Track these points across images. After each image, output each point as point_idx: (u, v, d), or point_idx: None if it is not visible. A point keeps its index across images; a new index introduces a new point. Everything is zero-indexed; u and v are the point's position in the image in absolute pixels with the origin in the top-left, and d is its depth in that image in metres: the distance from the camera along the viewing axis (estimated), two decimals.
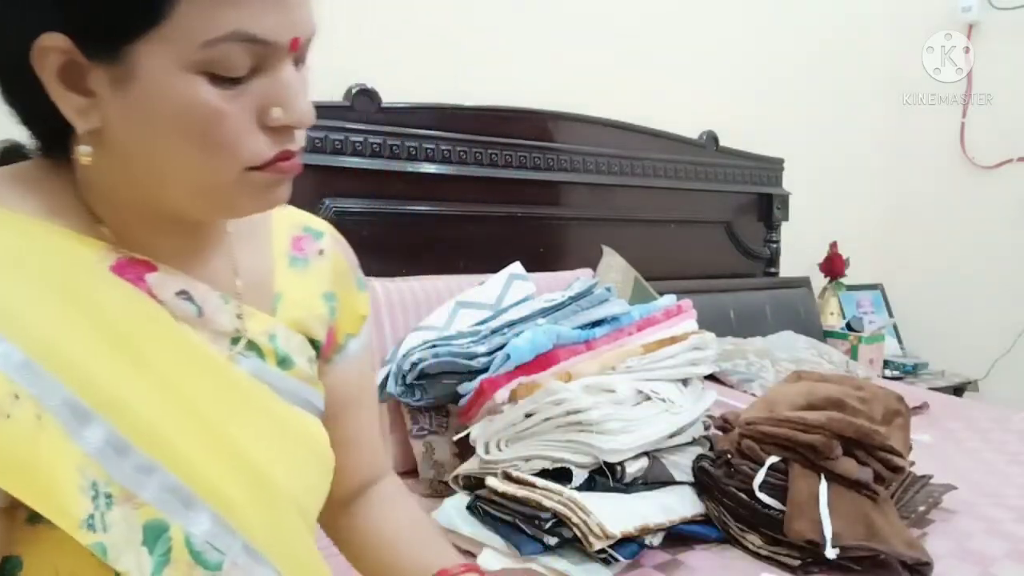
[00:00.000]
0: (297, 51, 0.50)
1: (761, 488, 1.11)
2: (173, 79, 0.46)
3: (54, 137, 0.51)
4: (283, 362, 0.60)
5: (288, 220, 0.66)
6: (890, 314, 3.10)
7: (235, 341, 0.57)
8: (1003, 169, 2.90)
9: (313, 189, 1.71)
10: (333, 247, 0.68)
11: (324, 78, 1.77)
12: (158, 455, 0.49)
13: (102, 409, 0.47)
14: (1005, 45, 2.83)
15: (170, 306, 0.53)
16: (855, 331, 2.75)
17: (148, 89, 0.46)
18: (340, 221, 1.74)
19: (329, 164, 1.72)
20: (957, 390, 2.75)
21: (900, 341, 3.08)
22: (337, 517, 0.74)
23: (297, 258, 0.65)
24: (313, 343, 0.64)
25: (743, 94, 2.71)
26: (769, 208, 2.73)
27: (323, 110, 1.73)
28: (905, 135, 3.16)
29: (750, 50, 2.72)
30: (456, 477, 1.21)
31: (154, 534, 0.48)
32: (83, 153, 0.49)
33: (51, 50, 0.46)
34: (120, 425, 0.48)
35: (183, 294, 0.54)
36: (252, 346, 0.58)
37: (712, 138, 2.56)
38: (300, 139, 0.52)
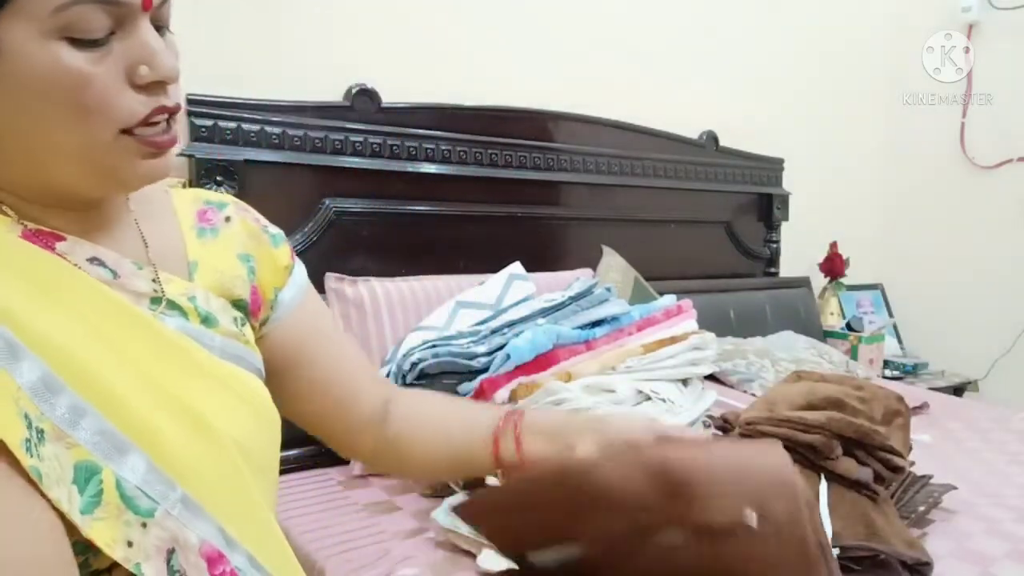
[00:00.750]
0: (150, 11, 0.51)
1: None
2: (35, 48, 0.47)
3: None
4: (206, 320, 0.61)
5: (189, 197, 0.69)
6: (890, 314, 3.10)
7: (155, 301, 0.58)
8: (1003, 169, 2.90)
9: (313, 189, 1.71)
10: (238, 213, 0.70)
11: (324, 78, 1.77)
12: (91, 398, 0.50)
13: (35, 348, 0.48)
14: (1005, 45, 2.83)
15: (84, 270, 0.55)
16: (855, 331, 2.75)
17: (13, 64, 0.48)
18: (340, 221, 1.75)
19: (329, 164, 1.72)
20: (957, 390, 2.75)
21: (900, 341, 3.08)
22: (377, 440, 0.75)
23: (205, 228, 0.67)
24: (238, 304, 0.66)
25: (743, 94, 2.71)
26: (769, 208, 2.73)
27: (323, 110, 1.75)
28: (905, 135, 3.16)
29: (750, 50, 2.72)
30: None
31: (85, 475, 0.48)
32: None
33: None
34: (53, 365, 0.48)
35: (95, 260, 0.56)
36: (173, 306, 0.59)
37: (712, 138, 2.56)
38: (174, 96, 0.54)
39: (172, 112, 0.54)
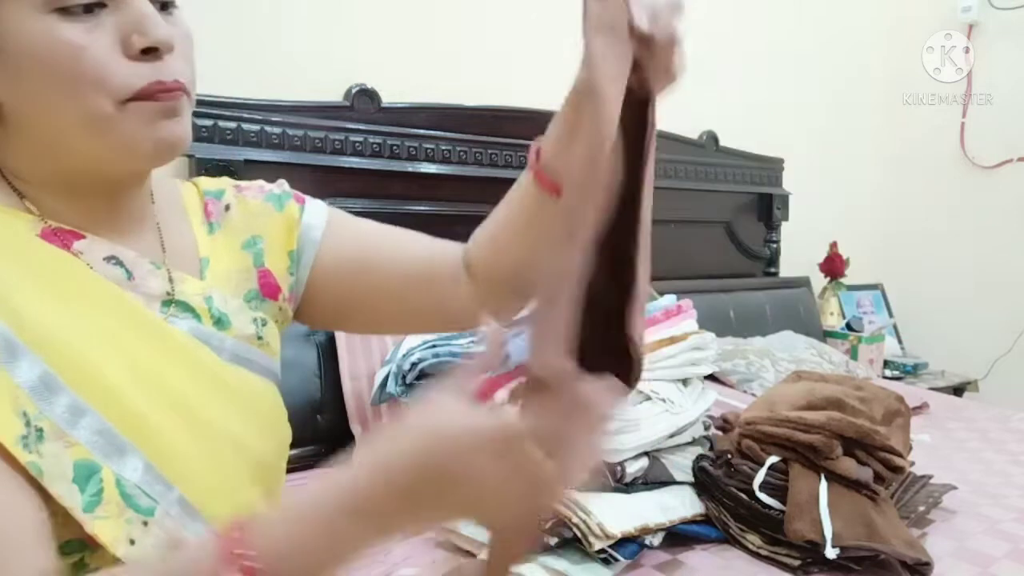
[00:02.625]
0: None
1: (761, 488, 1.11)
2: (30, 25, 0.48)
3: None
4: (219, 322, 0.61)
5: (193, 191, 0.69)
6: (890, 314, 3.10)
7: (166, 304, 0.58)
8: (1003, 169, 2.90)
9: (313, 189, 1.69)
10: (235, 197, 0.70)
11: (324, 78, 1.77)
12: (91, 398, 0.50)
13: (35, 347, 0.48)
14: (1005, 45, 2.83)
15: (99, 270, 0.55)
16: (855, 331, 2.75)
17: (13, 44, 0.49)
18: None
19: (329, 164, 1.72)
20: (957, 390, 2.75)
21: (900, 341, 3.08)
22: (471, 282, 0.72)
23: (212, 224, 0.67)
24: (249, 296, 0.66)
25: (743, 94, 2.71)
26: (769, 208, 2.73)
27: (323, 110, 1.74)
28: (905, 135, 3.16)
29: (750, 50, 2.72)
30: None
31: (85, 474, 0.48)
32: None
33: None
34: (53, 364, 0.49)
35: (112, 259, 0.56)
36: (186, 307, 0.59)
37: (712, 138, 2.56)
38: (176, 71, 0.53)
39: (171, 89, 0.52)
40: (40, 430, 0.47)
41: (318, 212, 0.72)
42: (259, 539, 0.40)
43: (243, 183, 0.72)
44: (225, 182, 0.71)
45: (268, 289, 0.68)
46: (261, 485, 0.59)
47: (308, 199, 0.74)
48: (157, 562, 0.45)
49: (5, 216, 0.53)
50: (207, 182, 0.70)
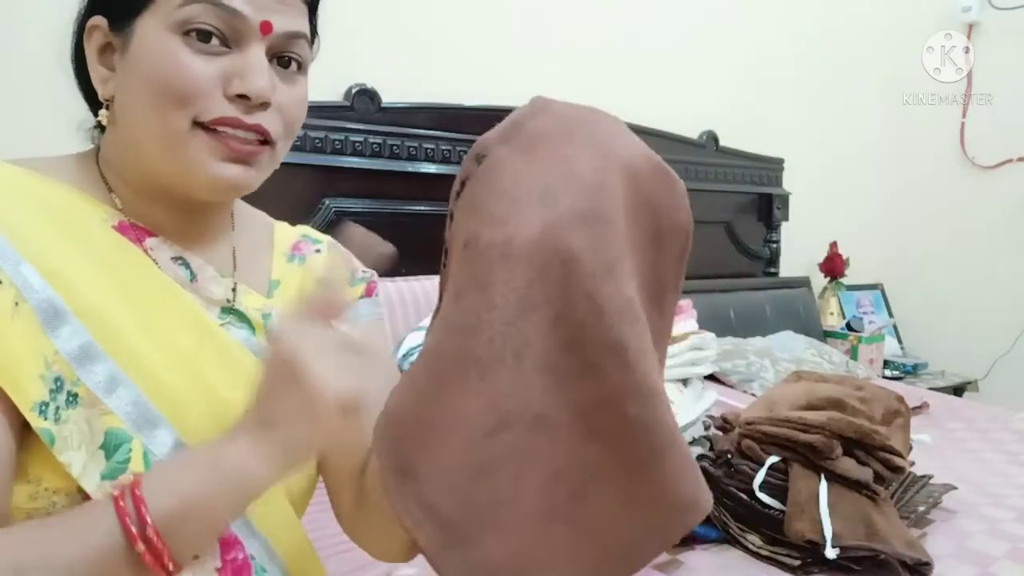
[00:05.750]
0: (267, 36, 0.54)
1: (761, 488, 1.11)
2: (155, 37, 0.52)
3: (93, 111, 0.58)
4: None
5: (291, 231, 0.72)
6: (890, 314, 3.10)
7: (225, 312, 0.60)
8: (1003, 169, 2.90)
9: (313, 189, 1.71)
10: (330, 249, 0.71)
11: (324, 78, 1.77)
12: (130, 370, 0.51)
13: (81, 315, 0.50)
14: (1005, 45, 2.83)
15: (164, 268, 0.56)
16: (855, 331, 2.75)
17: (137, 50, 0.53)
18: (340, 221, 1.75)
19: (329, 164, 1.72)
20: (957, 390, 2.75)
21: (900, 341, 3.08)
22: (356, 497, 0.67)
23: (295, 256, 0.69)
24: None
25: (743, 94, 2.71)
26: (769, 208, 2.73)
27: (323, 110, 1.74)
28: (905, 135, 3.16)
29: (750, 50, 2.72)
30: None
31: (115, 442, 0.50)
32: (102, 117, 0.57)
33: (95, 29, 0.55)
34: (96, 334, 0.50)
35: (179, 259, 0.58)
36: (243, 318, 0.61)
37: (712, 138, 2.56)
38: (266, 122, 0.54)
39: (250, 129, 0.54)
40: (75, 395, 0.49)
41: (365, 311, 0.71)
42: (148, 487, 0.46)
43: (346, 250, 0.72)
44: (327, 238, 0.72)
45: None
46: (287, 497, 0.61)
47: (377, 296, 0.73)
48: (55, 517, 0.47)
49: (85, 203, 0.55)
50: (313, 232, 0.73)
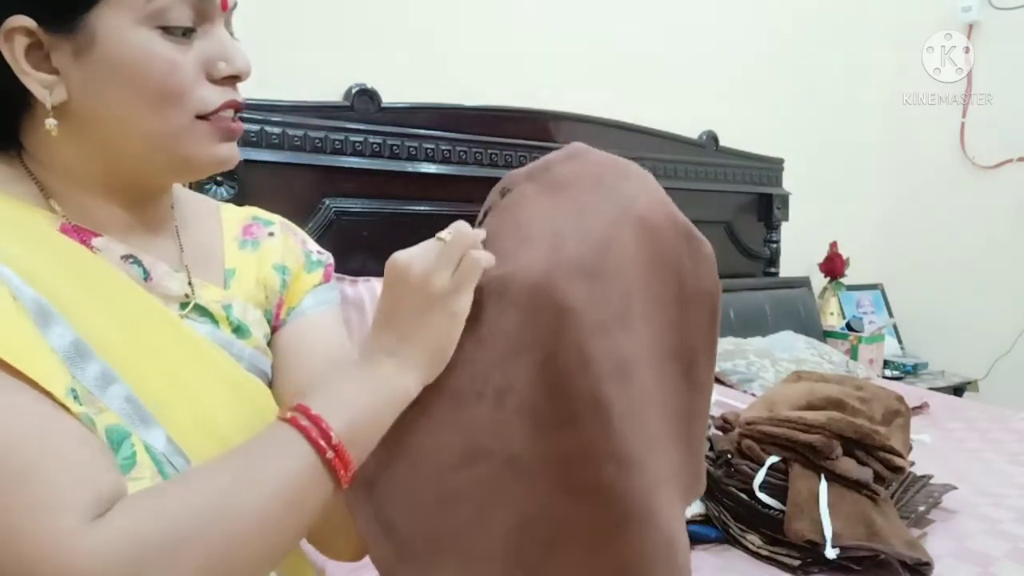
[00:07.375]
0: (227, 12, 0.56)
1: (761, 488, 1.11)
2: (130, 35, 0.51)
3: (4, 120, 0.54)
4: (238, 330, 0.62)
5: (239, 213, 0.71)
6: (890, 314, 3.10)
7: (184, 306, 0.59)
8: (1003, 169, 2.90)
9: (313, 189, 1.71)
10: (283, 230, 0.71)
11: (324, 78, 1.77)
12: (117, 368, 0.51)
13: (65, 313, 0.50)
14: (1005, 45, 2.83)
15: (116, 268, 0.56)
16: (855, 331, 2.75)
17: (109, 50, 0.51)
18: (340, 221, 1.75)
19: (329, 164, 1.72)
20: (957, 390, 2.75)
21: (900, 341, 3.08)
22: None
23: (247, 241, 0.68)
24: (267, 315, 0.66)
25: (743, 94, 2.71)
26: (769, 208, 2.73)
27: (323, 110, 1.74)
28: (905, 135, 3.16)
29: (750, 50, 2.72)
30: None
31: (117, 439, 0.50)
32: (51, 126, 0.52)
33: (17, 31, 0.50)
34: (82, 333, 0.50)
35: (129, 258, 0.57)
36: (203, 311, 0.60)
37: (712, 138, 2.56)
38: (240, 96, 0.57)
39: (239, 108, 0.57)
40: (75, 392, 0.48)
41: (324, 296, 0.71)
42: (317, 406, 0.50)
43: (298, 229, 0.74)
44: (278, 217, 0.73)
45: (277, 320, 0.68)
46: None
47: (333, 281, 0.73)
48: (229, 454, 0.49)
49: (24, 211, 0.53)
50: (262, 212, 0.72)
